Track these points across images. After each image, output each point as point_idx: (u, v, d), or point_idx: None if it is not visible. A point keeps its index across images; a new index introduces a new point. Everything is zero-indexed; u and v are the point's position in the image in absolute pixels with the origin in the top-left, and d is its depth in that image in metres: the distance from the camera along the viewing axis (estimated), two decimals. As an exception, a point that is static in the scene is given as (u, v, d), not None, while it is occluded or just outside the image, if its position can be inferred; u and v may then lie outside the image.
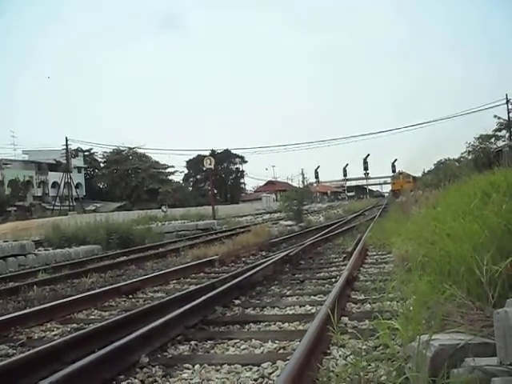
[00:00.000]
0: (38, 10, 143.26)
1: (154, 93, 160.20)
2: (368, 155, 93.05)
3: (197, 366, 4.03)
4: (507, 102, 51.24)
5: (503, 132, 50.74)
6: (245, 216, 39.38)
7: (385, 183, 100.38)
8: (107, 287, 8.11)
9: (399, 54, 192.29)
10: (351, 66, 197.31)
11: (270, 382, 3.66)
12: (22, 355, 4.14)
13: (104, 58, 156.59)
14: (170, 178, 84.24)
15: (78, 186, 70.70)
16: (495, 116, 50.72)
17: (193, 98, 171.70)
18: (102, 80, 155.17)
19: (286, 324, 5.30)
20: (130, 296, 7.75)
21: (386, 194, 79.39)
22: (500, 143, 46.00)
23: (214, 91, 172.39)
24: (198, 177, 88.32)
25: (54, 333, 5.67)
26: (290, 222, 23.45)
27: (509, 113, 50.99)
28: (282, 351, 4.33)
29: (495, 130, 49.88)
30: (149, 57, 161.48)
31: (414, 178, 65.28)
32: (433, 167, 60.73)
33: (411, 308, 3.73)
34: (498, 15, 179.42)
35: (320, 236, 15.19)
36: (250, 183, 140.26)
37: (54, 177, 70.62)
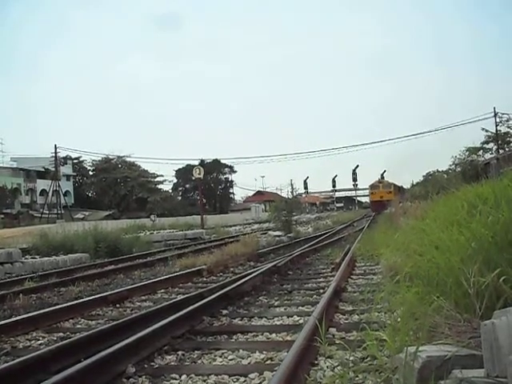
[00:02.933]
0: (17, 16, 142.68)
1: (144, 101, 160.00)
2: (357, 166, 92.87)
3: (184, 377, 4.01)
4: (495, 115, 51.70)
5: (491, 145, 51.15)
6: (234, 226, 39.32)
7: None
8: (94, 296, 8.06)
9: (383, 66, 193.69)
10: (340, 75, 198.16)
11: (257, 392, 3.65)
12: (6, 365, 4.10)
13: (94, 67, 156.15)
14: (159, 187, 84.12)
15: (66, 193, 70.38)
16: (483, 129, 51.14)
17: (182, 107, 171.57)
18: (92, 88, 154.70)
19: (274, 335, 5.28)
20: (118, 305, 7.71)
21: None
22: (488, 156, 46.36)
23: (204, 101, 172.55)
24: (187, 186, 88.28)
25: (39, 342, 5.62)
26: (278, 233, 23.43)
27: (497, 126, 51.45)
28: (269, 362, 4.32)
29: (483, 143, 50.29)
30: (140, 66, 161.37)
31: (397, 187, 61.35)
32: (421, 179, 60.41)
33: (399, 319, 3.74)
34: (482, 28, 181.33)
35: (308, 247, 15.21)
36: (239, 193, 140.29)
37: (42, 184, 70.22)
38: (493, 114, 51.86)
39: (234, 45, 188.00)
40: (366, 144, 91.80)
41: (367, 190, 66.02)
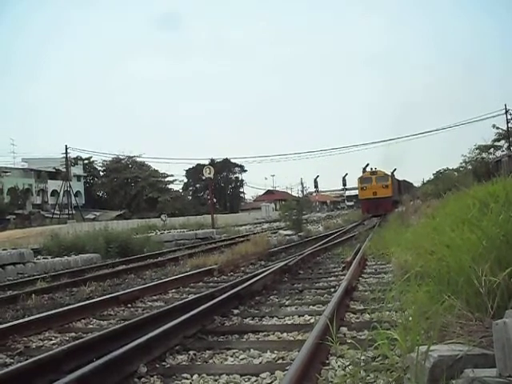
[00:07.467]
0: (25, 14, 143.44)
1: (154, 101, 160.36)
2: (367, 165, 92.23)
3: (195, 376, 4.03)
4: (506, 112, 51.33)
5: (502, 142, 50.76)
6: (244, 225, 39.38)
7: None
8: (106, 296, 8.10)
9: (386, 64, 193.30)
10: (347, 74, 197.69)
11: (269, 392, 3.66)
12: (19, 364, 4.14)
13: (104, 64, 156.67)
14: (170, 186, 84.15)
15: (77, 194, 70.64)
16: (494, 126, 50.75)
17: (192, 106, 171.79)
18: (101, 89, 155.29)
19: (285, 334, 5.29)
20: (129, 305, 7.74)
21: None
22: (499, 153, 46.02)
23: (214, 100, 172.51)
24: (198, 186, 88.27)
25: (52, 342, 5.66)
26: (289, 232, 23.41)
27: (508, 123, 51.06)
28: (280, 361, 4.33)
29: (494, 140, 49.87)
30: (148, 66, 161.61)
31: (398, 181, 49.83)
32: (431, 177, 59.62)
33: (410, 318, 3.73)
34: (483, 26, 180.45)
35: (319, 246, 15.17)
36: (250, 192, 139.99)
37: (53, 185, 70.53)
38: (504, 111, 51.53)
39: (237, 43, 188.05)
40: (375, 142, 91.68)
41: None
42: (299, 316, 6.13)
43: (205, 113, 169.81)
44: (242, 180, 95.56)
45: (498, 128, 50.65)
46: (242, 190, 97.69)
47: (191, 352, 4.74)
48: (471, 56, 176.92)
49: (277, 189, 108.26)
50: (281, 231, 24.92)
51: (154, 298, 8.39)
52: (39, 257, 16.17)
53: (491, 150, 47.89)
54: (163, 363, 4.47)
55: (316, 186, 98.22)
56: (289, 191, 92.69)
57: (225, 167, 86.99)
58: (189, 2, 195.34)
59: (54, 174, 70.63)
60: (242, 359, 4.49)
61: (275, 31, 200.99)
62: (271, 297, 7.69)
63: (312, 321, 5.68)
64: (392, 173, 46.50)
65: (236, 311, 6.55)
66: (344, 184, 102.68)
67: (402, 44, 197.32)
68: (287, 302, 7.17)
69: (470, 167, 40.87)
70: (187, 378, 4.01)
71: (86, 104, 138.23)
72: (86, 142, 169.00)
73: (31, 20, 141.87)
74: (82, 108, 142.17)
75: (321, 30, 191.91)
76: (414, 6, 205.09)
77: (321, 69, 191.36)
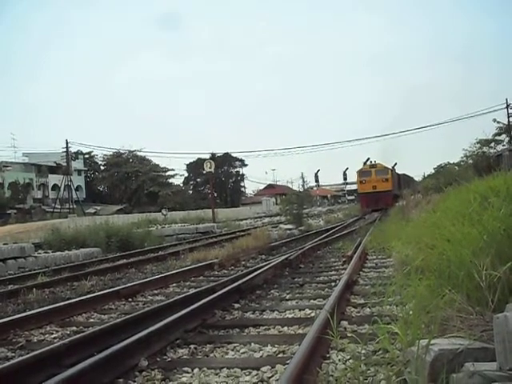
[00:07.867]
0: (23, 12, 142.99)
1: (155, 96, 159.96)
2: (368, 159, 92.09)
3: (196, 370, 4.03)
4: (507, 106, 51.20)
5: (503, 136, 50.66)
6: (245, 219, 39.38)
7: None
8: (107, 290, 8.11)
9: (389, 61, 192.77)
10: (350, 69, 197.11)
11: (269, 386, 3.66)
12: (20, 358, 4.14)
13: (105, 62, 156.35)
14: (170, 181, 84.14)
15: (78, 188, 70.67)
16: (494, 120, 50.61)
17: (193, 101, 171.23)
18: (102, 83, 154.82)
19: (286, 328, 5.29)
20: (130, 299, 7.75)
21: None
22: (500, 147, 45.90)
23: (214, 100, 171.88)
24: (198, 180, 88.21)
25: (53, 336, 5.66)
26: (289, 226, 23.44)
27: (509, 117, 50.95)
28: (281, 355, 4.33)
29: (495, 135, 49.74)
30: (149, 61, 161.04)
31: (398, 174, 48.34)
32: (432, 171, 59.33)
33: (411, 312, 3.73)
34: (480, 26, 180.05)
35: (320, 240, 15.19)
36: (250, 187, 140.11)
37: (54, 179, 70.53)
38: (505, 106, 51.43)
39: (237, 43, 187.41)
40: (376, 137, 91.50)
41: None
42: (300, 310, 6.14)
43: (205, 112, 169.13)
44: (243, 174, 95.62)
45: (498, 122, 50.59)
46: (242, 184, 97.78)
47: (192, 346, 4.74)
48: (471, 54, 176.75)
49: (277, 183, 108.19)
50: (281, 225, 24.95)
51: (155, 292, 8.40)
52: (40, 251, 16.18)
53: (492, 144, 47.68)
54: (164, 357, 4.47)
55: (317, 181, 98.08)
56: (289, 185, 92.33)
57: (225, 161, 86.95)
58: (189, 2, 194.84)
59: (55, 169, 70.55)
60: (242, 353, 4.49)
61: (275, 31, 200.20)
62: (272, 291, 7.70)
63: (313, 315, 5.69)
64: (393, 167, 46.26)
65: (237, 305, 6.56)
66: (345, 178, 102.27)
67: (402, 43, 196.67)
68: (288, 296, 7.18)
69: (470, 161, 40.68)
70: (188, 372, 4.02)
71: (87, 102, 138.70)
72: (86, 138, 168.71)
73: (31, 20, 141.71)
74: (82, 105, 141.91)
75: (321, 29, 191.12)
76: (414, 6, 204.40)
77: (321, 68, 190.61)
